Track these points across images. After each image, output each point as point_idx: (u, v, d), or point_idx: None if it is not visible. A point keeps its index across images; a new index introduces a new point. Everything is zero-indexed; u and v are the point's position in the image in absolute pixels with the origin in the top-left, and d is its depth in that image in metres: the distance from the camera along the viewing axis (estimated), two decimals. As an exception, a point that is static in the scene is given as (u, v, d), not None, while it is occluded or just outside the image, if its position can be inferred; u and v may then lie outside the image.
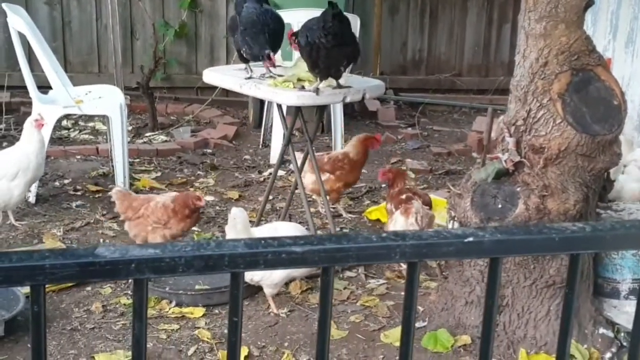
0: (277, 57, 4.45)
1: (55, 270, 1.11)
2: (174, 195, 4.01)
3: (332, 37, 3.69)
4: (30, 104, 4.93)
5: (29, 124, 4.36)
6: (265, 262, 1.18)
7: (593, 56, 3.24)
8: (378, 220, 4.73)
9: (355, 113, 7.19)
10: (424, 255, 1.23)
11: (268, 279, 3.59)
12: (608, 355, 3.24)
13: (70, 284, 3.74)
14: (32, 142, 4.33)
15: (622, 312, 3.41)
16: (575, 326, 3.31)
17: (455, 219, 3.44)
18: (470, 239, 1.23)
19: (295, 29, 5.43)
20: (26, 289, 3.38)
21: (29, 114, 4.88)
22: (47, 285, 1.18)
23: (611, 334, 3.36)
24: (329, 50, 3.71)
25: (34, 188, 4.73)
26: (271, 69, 4.18)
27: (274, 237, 1.21)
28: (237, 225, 3.57)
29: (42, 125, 4.35)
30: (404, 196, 4.03)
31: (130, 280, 3.72)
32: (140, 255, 1.13)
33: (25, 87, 4.85)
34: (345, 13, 6.27)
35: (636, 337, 1.43)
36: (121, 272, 1.14)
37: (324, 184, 4.28)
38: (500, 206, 3.25)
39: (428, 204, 4.10)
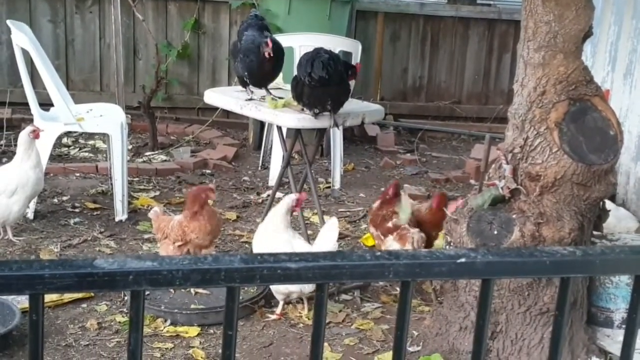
0: (278, 80, 4.50)
1: (54, 280, 1.13)
2: (186, 193, 3.98)
3: (316, 81, 3.79)
4: (31, 120, 4.96)
5: (25, 137, 4.36)
6: (261, 278, 1.20)
7: (590, 86, 3.28)
8: (374, 247, 4.74)
9: (355, 137, 7.23)
10: (417, 275, 1.25)
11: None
12: (601, 384, 3.25)
13: (65, 300, 3.74)
14: (30, 158, 4.35)
15: (615, 342, 3.42)
16: (569, 355, 3.32)
17: (452, 244, 3.46)
18: (463, 259, 1.26)
19: (297, 53, 5.51)
20: (23, 304, 3.39)
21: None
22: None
23: (604, 363, 3.37)
24: (312, 89, 3.82)
25: (32, 204, 4.74)
26: (272, 91, 4.23)
27: (271, 253, 1.24)
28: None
29: (39, 135, 4.36)
30: (390, 224, 4.03)
31: (126, 298, 3.73)
32: (138, 268, 1.15)
33: (26, 104, 4.88)
34: (347, 38, 6.36)
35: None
36: (119, 284, 1.16)
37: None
38: (495, 232, 3.27)
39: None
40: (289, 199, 3.82)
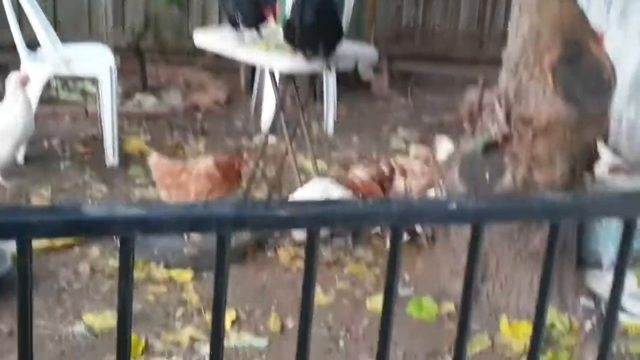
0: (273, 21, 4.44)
1: (41, 226, 1.12)
2: (215, 161, 3.88)
3: (307, 23, 3.73)
4: (19, 63, 4.89)
5: (13, 82, 4.30)
6: (251, 224, 1.20)
7: (586, 29, 3.25)
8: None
9: (348, 82, 7.17)
10: (408, 221, 1.25)
11: None
12: (588, 324, 3.29)
13: (57, 245, 3.75)
14: (17, 102, 4.30)
15: (604, 283, 3.45)
16: (557, 296, 3.36)
17: (443, 189, 3.47)
18: (454, 206, 1.25)
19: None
20: (14, 249, 3.39)
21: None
22: (33, 244, 1.19)
23: (592, 305, 3.41)
24: (303, 32, 3.76)
25: (22, 148, 4.71)
26: (263, 32, 4.17)
27: (262, 201, 1.23)
28: None
29: (27, 83, 4.30)
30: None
31: (117, 242, 3.75)
32: (126, 214, 1.14)
33: (14, 46, 4.81)
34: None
35: (613, 306, 1.46)
36: (107, 230, 1.15)
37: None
38: (487, 177, 3.27)
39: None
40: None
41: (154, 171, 3.92)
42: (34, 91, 4.60)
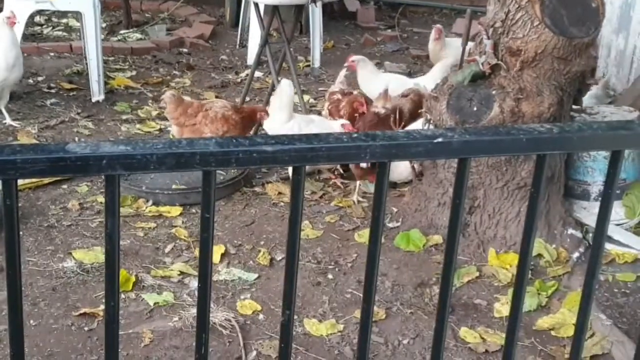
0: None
1: (26, 165, 1.11)
2: (232, 105, 3.92)
3: None
4: (1, -1, 4.81)
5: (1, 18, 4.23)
6: (236, 161, 1.19)
7: (574, -42, 3.20)
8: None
9: (335, 14, 7.09)
10: (393, 156, 1.25)
11: None
12: (576, 254, 3.34)
13: (45, 182, 3.74)
14: (3, 40, 4.23)
15: (591, 214, 3.49)
16: (545, 227, 3.39)
17: (431, 121, 3.46)
18: (440, 139, 1.25)
19: None
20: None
21: (1, 8, 4.77)
22: (21, 181, 1.18)
23: (580, 235, 3.45)
24: None
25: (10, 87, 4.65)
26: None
27: (246, 137, 1.22)
28: (283, 97, 3.78)
29: (14, 23, 4.23)
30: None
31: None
32: (111, 152, 1.14)
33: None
34: None
35: (599, 235, 1.47)
36: (92, 168, 1.14)
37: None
38: (475, 109, 3.27)
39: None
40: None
41: (169, 108, 3.89)
42: (18, 28, 4.53)
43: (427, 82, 4.27)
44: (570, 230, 3.47)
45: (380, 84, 4.24)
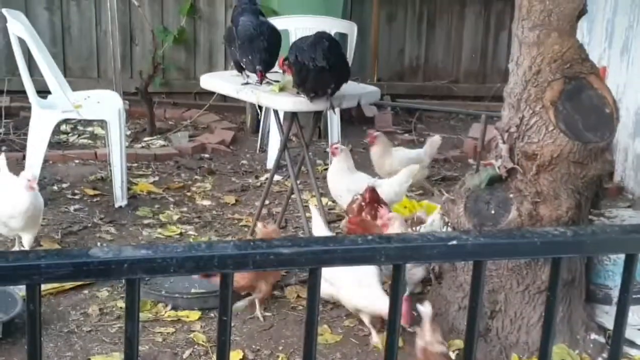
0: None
1: (50, 269, 1.14)
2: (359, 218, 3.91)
3: (322, 60, 3.78)
4: (29, 108, 4.96)
5: (22, 180, 3.92)
6: (254, 263, 1.22)
7: (586, 64, 3.28)
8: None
9: (352, 119, 7.22)
10: (408, 258, 1.27)
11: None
12: (599, 360, 3.28)
13: (67, 287, 3.77)
14: (20, 204, 3.90)
15: (613, 318, 3.43)
16: (567, 332, 3.35)
17: (449, 224, 3.47)
18: (454, 242, 1.27)
19: (293, 36, 5.50)
20: (24, 292, 3.40)
21: (28, 118, 4.92)
22: (43, 286, 1.21)
23: (602, 340, 3.39)
24: (317, 74, 3.80)
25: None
26: (268, 75, 4.23)
27: (263, 240, 1.25)
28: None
29: (33, 188, 3.94)
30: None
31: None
32: (132, 256, 1.17)
33: (24, 92, 4.88)
34: (342, 20, 6.34)
35: (617, 338, 1.46)
36: (114, 272, 1.17)
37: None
38: (493, 212, 3.29)
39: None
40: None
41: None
42: (44, 136, 4.65)
43: (391, 184, 4.50)
44: (593, 336, 3.42)
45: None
